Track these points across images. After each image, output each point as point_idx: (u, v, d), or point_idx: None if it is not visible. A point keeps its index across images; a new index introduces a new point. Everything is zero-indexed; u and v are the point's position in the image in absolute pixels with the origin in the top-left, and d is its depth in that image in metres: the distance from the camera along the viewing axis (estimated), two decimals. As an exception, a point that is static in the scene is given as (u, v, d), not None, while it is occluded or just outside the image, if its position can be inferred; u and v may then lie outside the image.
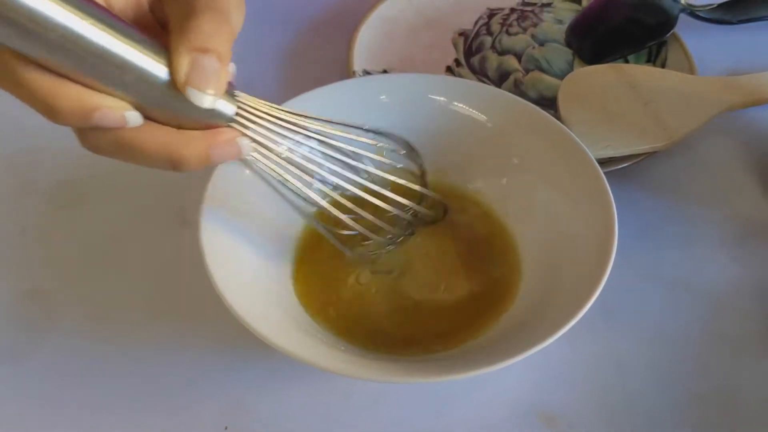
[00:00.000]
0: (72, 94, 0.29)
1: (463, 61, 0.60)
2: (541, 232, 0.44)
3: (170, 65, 0.30)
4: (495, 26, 0.63)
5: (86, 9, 0.28)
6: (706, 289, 0.47)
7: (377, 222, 0.40)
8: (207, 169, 0.36)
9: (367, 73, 0.58)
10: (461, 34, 0.63)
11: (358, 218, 0.39)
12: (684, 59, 0.58)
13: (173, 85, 0.30)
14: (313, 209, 0.39)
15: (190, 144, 0.31)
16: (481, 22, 0.63)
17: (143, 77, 0.30)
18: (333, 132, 0.37)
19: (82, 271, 0.49)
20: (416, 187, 0.41)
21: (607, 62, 0.59)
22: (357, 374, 0.35)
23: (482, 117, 0.47)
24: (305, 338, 0.38)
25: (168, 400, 0.43)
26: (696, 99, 0.53)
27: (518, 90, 0.58)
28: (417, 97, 0.48)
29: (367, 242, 0.41)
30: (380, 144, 0.40)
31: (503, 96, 0.47)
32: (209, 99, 0.31)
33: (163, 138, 0.31)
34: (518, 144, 0.46)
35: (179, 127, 0.32)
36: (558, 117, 0.51)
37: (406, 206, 0.41)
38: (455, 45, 0.62)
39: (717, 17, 0.63)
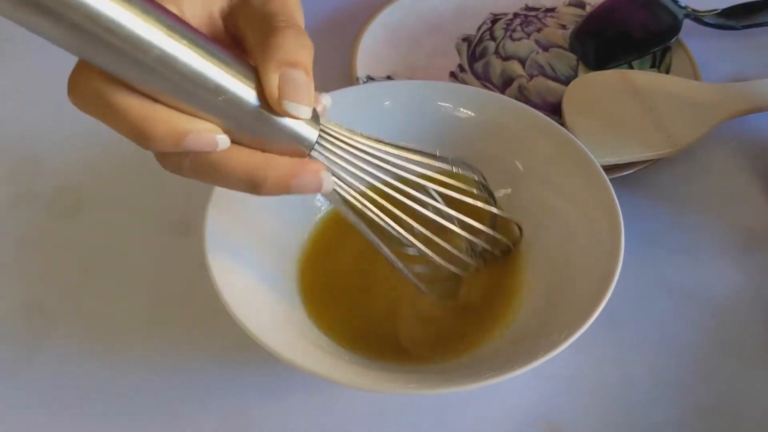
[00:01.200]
0: (164, 118, 0.29)
1: (466, 66, 0.60)
2: (547, 240, 0.44)
3: (261, 82, 0.30)
4: (498, 31, 0.63)
5: (181, 31, 0.28)
6: (709, 298, 0.47)
7: (456, 252, 0.40)
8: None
9: (370, 79, 0.58)
10: (464, 39, 0.62)
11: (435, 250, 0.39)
12: (688, 65, 0.58)
13: (262, 105, 0.30)
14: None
15: (273, 170, 0.31)
16: (484, 27, 0.63)
17: (233, 99, 0.30)
18: (410, 163, 0.37)
19: (81, 281, 0.48)
20: (493, 209, 0.42)
21: (612, 68, 0.58)
22: (361, 385, 0.35)
23: (487, 124, 0.47)
24: (310, 348, 0.38)
25: (168, 411, 0.43)
26: (700, 106, 0.53)
27: (522, 96, 0.58)
28: (422, 103, 0.48)
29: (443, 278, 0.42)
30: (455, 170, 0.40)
31: (508, 103, 0.47)
32: (305, 110, 0.30)
33: (247, 161, 0.31)
34: (523, 151, 0.46)
35: (263, 151, 0.32)
36: (563, 123, 0.51)
37: (482, 232, 0.41)
38: (459, 50, 0.62)
39: (721, 23, 0.62)
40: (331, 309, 0.43)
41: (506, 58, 0.61)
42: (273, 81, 0.30)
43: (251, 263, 0.41)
